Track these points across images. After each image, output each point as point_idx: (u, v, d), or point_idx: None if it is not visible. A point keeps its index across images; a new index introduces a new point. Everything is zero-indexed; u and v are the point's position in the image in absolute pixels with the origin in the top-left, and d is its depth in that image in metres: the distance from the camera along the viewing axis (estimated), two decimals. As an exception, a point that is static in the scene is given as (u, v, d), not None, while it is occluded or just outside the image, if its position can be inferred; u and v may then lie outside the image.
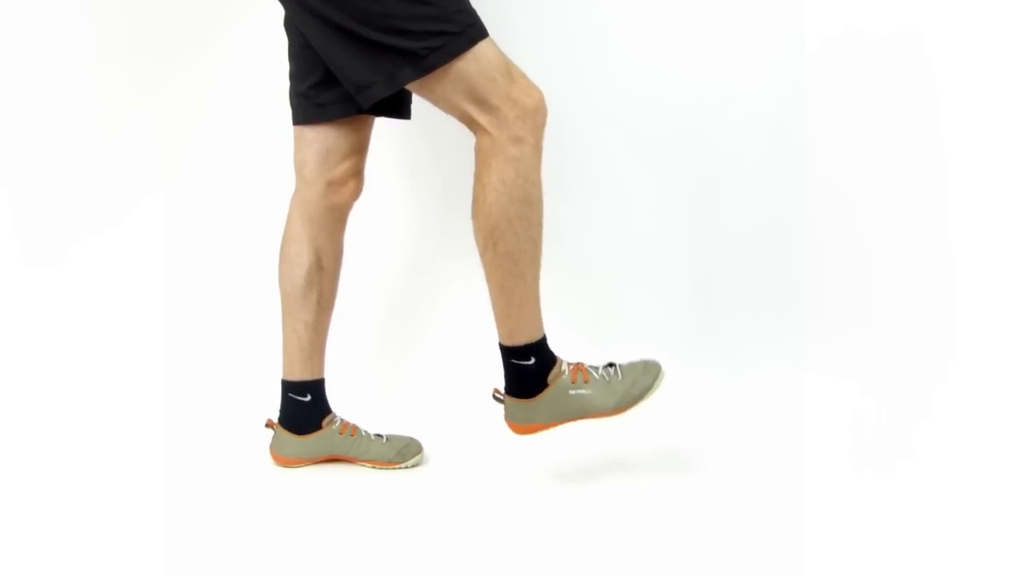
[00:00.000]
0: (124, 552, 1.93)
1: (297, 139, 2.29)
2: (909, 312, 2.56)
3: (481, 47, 2.00)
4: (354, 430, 2.36)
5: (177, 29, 3.06)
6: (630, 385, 2.07)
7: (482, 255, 2.06)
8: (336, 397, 2.40)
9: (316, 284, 2.30)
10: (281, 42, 2.29)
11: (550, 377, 2.10)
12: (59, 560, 1.90)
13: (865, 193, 2.61)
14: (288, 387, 2.35)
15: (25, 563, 1.89)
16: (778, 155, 2.68)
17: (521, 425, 2.12)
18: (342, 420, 2.37)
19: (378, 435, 2.36)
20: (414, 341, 2.91)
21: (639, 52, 2.76)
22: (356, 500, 2.18)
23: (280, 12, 2.24)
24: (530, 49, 2.79)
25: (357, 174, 2.30)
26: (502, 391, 2.14)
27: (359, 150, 2.28)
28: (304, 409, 2.34)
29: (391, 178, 2.85)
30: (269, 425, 2.38)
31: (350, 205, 2.31)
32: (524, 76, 2.06)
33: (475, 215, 2.04)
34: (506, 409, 2.14)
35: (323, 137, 2.23)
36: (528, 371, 2.09)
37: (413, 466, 2.33)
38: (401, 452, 2.33)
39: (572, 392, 2.08)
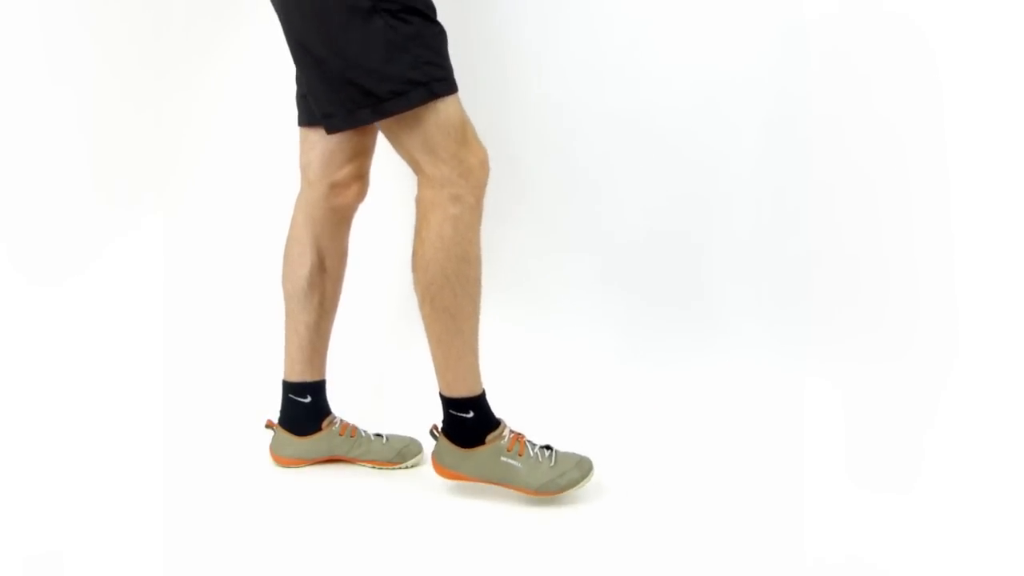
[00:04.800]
0: (124, 552, 1.94)
1: (302, 140, 2.29)
2: (911, 319, 2.52)
3: (443, 102, 1.99)
4: (354, 431, 2.36)
5: (177, 36, 3.10)
6: (558, 475, 2.08)
7: (420, 307, 2.08)
8: (336, 397, 2.40)
9: (318, 286, 2.30)
10: (277, 48, 2.29)
11: (489, 437, 2.11)
12: (59, 560, 1.90)
13: (867, 193, 2.57)
14: (289, 388, 2.35)
15: (25, 563, 1.90)
16: (780, 157, 2.65)
17: (446, 469, 2.14)
18: (342, 421, 2.37)
19: (378, 435, 2.37)
20: (414, 340, 2.91)
21: (637, 45, 2.73)
22: (356, 500, 2.18)
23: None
24: (531, 46, 2.81)
25: (361, 177, 2.29)
26: (440, 429, 2.15)
27: (363, 153, 2.28)
28: (304, 410, 2.35)
29: (390, 179, 2.85)
30: (269, 426, 2.38)
31: (354, 208, 2.31)
32: (475, 136, 2.06)
33: (414, 268, 2.06)
34: (436, 448, 2.15)
35: (327, 140, 2.23)
36: (466, 423, 2.11)
37: (413, 466, 2.33)
38: (401, 452, 2.34)
39: (503, 459, 2.10)
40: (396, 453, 2.34)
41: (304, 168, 2.30)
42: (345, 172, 2.26)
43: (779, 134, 2.64)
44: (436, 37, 2.01)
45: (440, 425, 2.16)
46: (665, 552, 1.89)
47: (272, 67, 2.63)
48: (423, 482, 2.23)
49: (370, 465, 2.34)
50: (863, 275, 2.57)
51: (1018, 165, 2.41)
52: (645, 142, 2.76)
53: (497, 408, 2.17)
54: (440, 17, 2.06)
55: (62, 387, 2.80)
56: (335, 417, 2.37)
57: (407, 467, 2.33)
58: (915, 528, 1.95)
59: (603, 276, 2.83)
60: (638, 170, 2.78)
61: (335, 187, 2.27)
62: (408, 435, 2.38)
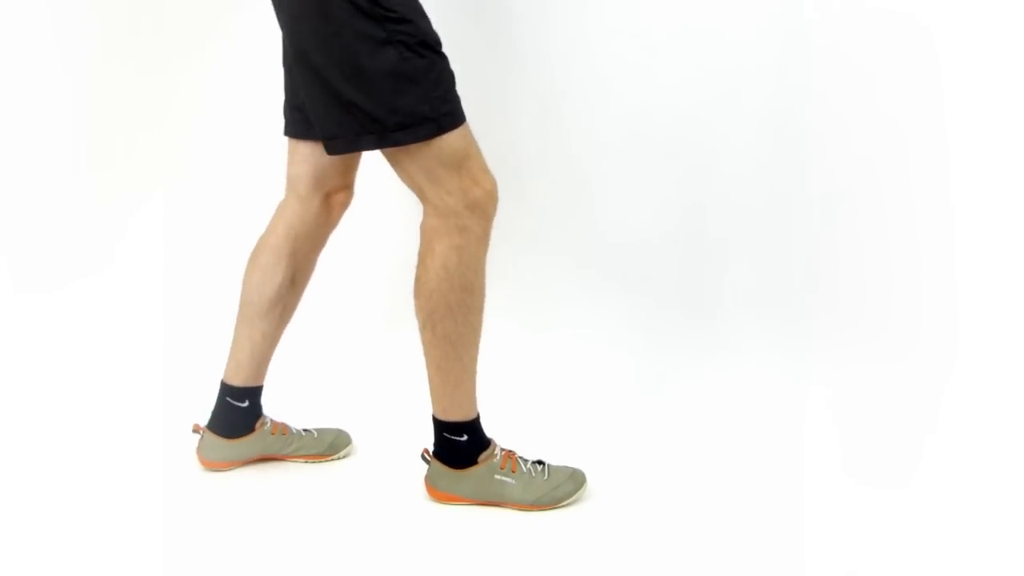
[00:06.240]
0: (124, 553, 1.94)
1: (291, 152, 2.19)
2: (914, 322, 2.50)
3: (450, 136, 1.97)
4: (285, 429, 2.35)
5: (176, 32, 3.10)
6: (552, 488, 2.11)
7: (421, 333, 2.08)
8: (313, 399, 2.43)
9: (284, 299, 2.24)
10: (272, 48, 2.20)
11: (481, 457, 2.13)
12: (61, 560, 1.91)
13: (869, 194, 2.54)
14: (228, 392, 2.29)
15: (26, 564, 1.90)
16: (784, 160, 2.62)
17: (440, 492, 2.16)
18: (272, 421, 2.34)
19: (307, 430, 2.37)
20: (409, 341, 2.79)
21: (640, 45, 2.68)
22: (355, 500, 2.18)
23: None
24: (534, 47, 2.77)
25: (349, 187, 2.24)
26: (431, 452, 2.17)
27: (355, 166, 2.22)
28: (239, 414, 2.29)
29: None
30: (196, 431, 2.29)
31: (340, 218, 2.26)
32: (482, 167, 2.03)
33: (416, 295, 2.05)
34: (429, 472, 2.17)
35: (319, 152, 2.13)
36: (459, 446, 2.14)
37: (344, 456, 2.36)
38: (332, 444, 2.37)
39: (497, 477, 2.12)
40: (327, 446, 2.36)
41: (293, 181, 2.21)
42: (337, 183, 2.21)
43: (783, 136, 2.60)
44: (446, 71, 1.98)
45: (431, 449, 2.16)
46: (663, 560, 1.93)
47: (264, 69, 2.56)
48: (419, 482, 2.21)
49: (303, 460, 2.34)
50: (867, 278, 2.56)
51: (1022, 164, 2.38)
52: (644, 144, 2.71)
53: (495, 410, 2.20)
54: (438, 18, 2.03)
55: (61, 392, 2.71)
56: (266, 418, 2.34)
57: (339, 458, 2.36)
58: (917, 534, 1.97)
59: (603, 279, 2.81)
60: (638, 172, 2.74)
61: (327, 199, 2.21)
62: (336, 427, 2.40)
